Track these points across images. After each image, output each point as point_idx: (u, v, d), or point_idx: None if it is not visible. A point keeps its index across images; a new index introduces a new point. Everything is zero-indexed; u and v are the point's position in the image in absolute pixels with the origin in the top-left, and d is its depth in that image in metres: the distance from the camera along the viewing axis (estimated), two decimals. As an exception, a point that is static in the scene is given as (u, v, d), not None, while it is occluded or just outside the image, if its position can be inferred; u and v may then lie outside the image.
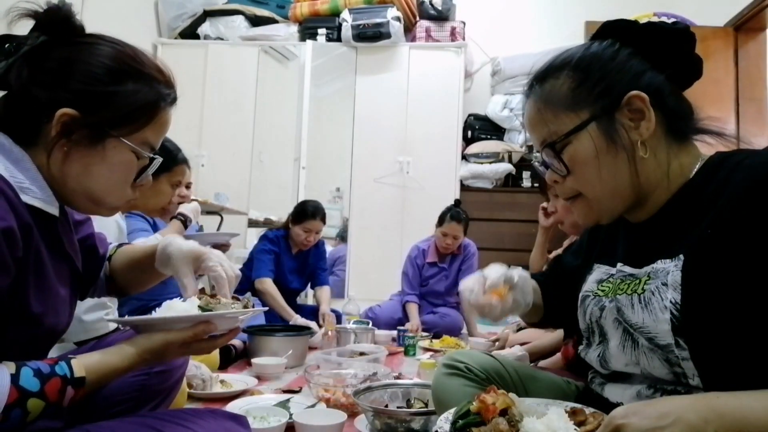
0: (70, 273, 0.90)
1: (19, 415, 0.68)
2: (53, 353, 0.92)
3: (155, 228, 2.17)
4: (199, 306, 0.89)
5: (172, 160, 1.86)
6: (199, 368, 1.75)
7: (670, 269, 0.75)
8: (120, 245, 1.11)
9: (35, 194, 0.78)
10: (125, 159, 0.85)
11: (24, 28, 0.82)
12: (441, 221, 3.25)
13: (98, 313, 1.51)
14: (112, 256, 1.07)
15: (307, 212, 2.96)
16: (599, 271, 0.92)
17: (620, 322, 0.81)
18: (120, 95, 0.82)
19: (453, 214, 3.23)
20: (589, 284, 0.92)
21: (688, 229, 0.76)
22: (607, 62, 0.80)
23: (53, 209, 0.82)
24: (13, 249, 0.71)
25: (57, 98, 0.79)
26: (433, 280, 3.38)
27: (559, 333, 2.10)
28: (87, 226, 1.02)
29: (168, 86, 0.88)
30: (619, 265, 0.87)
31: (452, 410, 0.87)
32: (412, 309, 3.25)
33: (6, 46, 0.80)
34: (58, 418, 0.85)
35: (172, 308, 0.89)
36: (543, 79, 0.84)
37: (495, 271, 0.97)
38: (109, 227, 1.54)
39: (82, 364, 0.76)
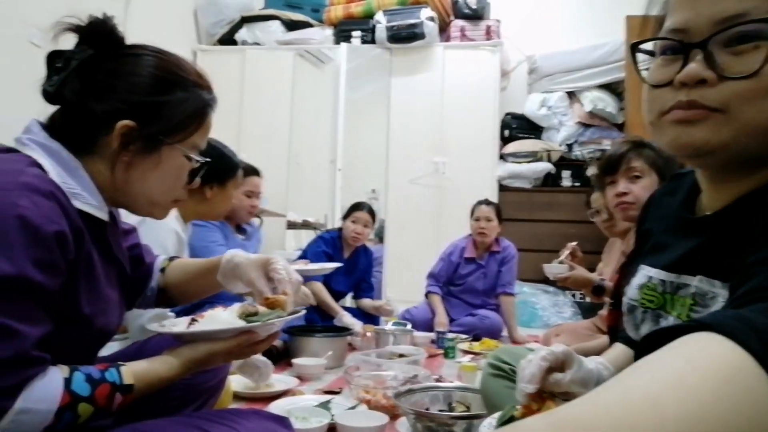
0: (119, 276, 0.92)
1: (70, 418, 0.69)
2: (105, 353, 0.94)
3: (227, 240, 2.25)
4: (241, 316, 0.90)
5: (236, 166, 1.91)
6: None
7: (718, 295, 0.65)
8: (171, 258, 1.13)
9: (86, 200, 0.81)
10: (178, 164, 0.89)
11: (65, 43, 0.85)
12: (472, 212, 3.34)
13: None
14: (165, 268, 1.10)
15: (354, 205, 3.20)
16: (641, 273, 0.83)
17: None
18: (171, 104, 0.86)
19: (480, 201, 3.34)
20: (632, 290, 0.83)
21: (741, 249, 0.58)
22: None
23: (103, 214, 0.84)
24: (65, 252, 0.73)
25: (112, 110, 0.82)
26: (471, 278, 3.33)
27: (605, 339, 2.03)
28: (133, 237, 1.05)
29: (209, 91, 0.92)
30: (663, 274, 0.77)
31: (496, 415, 0.84)
32: (436, 300, 3.24)
33: (56, 62, 0.83)
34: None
35: (215, 319, 0.91)
36: None
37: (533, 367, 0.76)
38: (167, 238, 1.59)
39: (131, 372, 0.78)
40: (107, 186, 0.85)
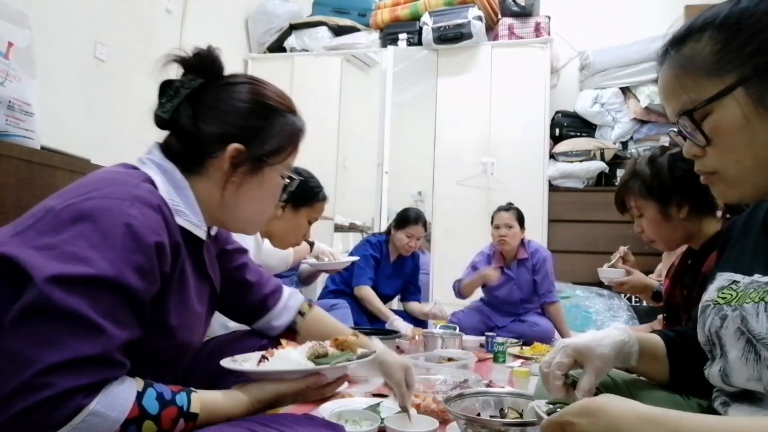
0: (209, 293, 0.97)
1: None
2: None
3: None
4: (311, 357, 0.92)
5: (315, 197, 1.94)
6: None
7: None
8: (310, 302, 1.23)
9: (188, 218, 0.86)
10: (277, 183, 0.97)
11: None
12: (492, 220, 3.20)
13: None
14: (305, 313, 1.19)
15: (410, 218, 3.12)
16: (721, 278, 0.83)
17: (743, 333, 0.72)
18: (273, 128, 0.93)
19: (500, 207, 3.18)
20: (710, 293, 0.83)
21: None
22: (762, 17, 0.68)
23: (201, 233, 0.90)
24: (162, 263, 0.77)
25: (223, 133, 0.89)
26: (504, 290, 3.16)
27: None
28: (241, 257, 1.12)
29: (299, 117, 1.00)
30: (756, 276, 0.77)
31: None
32: (467, 281, 3.17)
33: (167, 91, 0.90)
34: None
35: (284, 358, 0.91)
36: (681, 42, 0.74)
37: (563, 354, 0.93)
38: (248, 242, 1.66)
39: (200, 401, 0.79)
40: (213, 204, 0.91)
